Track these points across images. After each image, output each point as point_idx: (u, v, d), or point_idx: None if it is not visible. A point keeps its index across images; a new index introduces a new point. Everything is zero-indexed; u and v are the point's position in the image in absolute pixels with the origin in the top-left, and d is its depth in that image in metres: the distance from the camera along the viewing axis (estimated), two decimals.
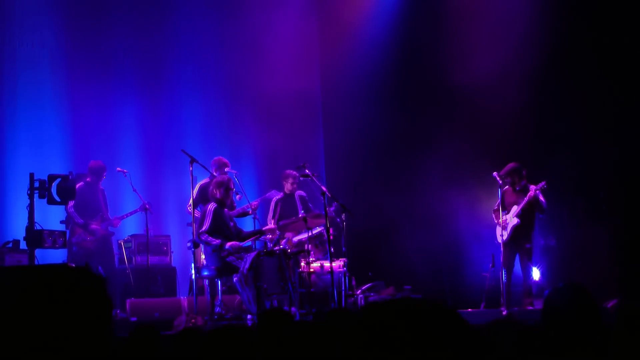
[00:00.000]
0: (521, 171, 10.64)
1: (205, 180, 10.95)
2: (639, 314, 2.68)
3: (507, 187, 10.76)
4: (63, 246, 9.10)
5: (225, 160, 11.11)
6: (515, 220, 10.54)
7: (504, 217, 10.64)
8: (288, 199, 11.37)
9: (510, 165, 10.67)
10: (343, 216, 10.47)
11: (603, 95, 11.77)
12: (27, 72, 12.45)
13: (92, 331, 1.72)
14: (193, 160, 10.05)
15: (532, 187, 10.63)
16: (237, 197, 10.91)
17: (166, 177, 12.98)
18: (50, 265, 1.86)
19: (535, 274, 11.21)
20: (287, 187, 11.37)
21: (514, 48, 12.24)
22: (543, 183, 10.55)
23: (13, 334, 1.67)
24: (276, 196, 11.39)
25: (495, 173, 10.54)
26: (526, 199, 10.55)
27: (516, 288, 10.64)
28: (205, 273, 9.79)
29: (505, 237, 10.58)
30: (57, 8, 12.73)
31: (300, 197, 11.46)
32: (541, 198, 10.58)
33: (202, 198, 10.59)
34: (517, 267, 10.66)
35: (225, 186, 9.92)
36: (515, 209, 10.58)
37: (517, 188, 10.65)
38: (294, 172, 11.27)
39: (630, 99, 11.58)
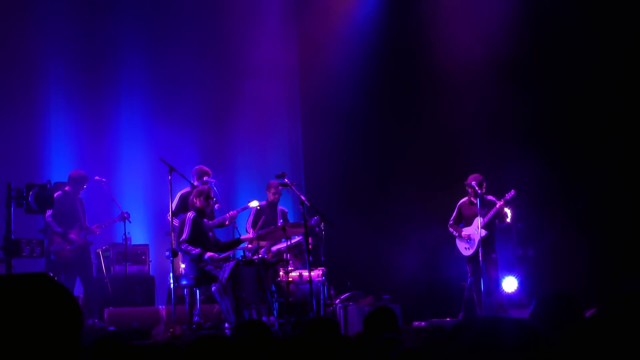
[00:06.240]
0: (483, 183, 10.67)
1: (186, 189, 10.91)
2: (611, 323, 2.71)
3: (464, 199, 10.83)
4: (41, 255, 9.03)
5: (206, 169, 11.08)
6: (483, 232, 10.54)
7: (467, 230, 10.69)
8: (270, 208, 11.35)
9: (477, 175, 10.68)
10: (322, 225, 10.47)
11: (582, 106, 11.86)
12: (5, 79, 12.37)
13: (59, 342, 1.72)
14: (172, 169, 10.02)
15: (491, 197, 10.66)
16: (216, 206, 10.88)
17: (145, 186, 12.91)
18: (28, 274, 1.84)
19: (513, 283, 11.24)
20: (270, 196, 11.37)
21: (489, 48, 12.31)
22: (512, 192, 10.53)
23: None
24: (257, 205, 11.36)
25: (473, 183, 10.55)
26: (494, 210, 10.56)
27: (486, 298, 10.65)
28: (184, 282, 9.76)
29: (472, 251, 10.62)
30: (35, 14, 12.67)
31: (282, 211, 11.44)
32: (506, 209, 10.64)
33: (183, 207, 10.55)
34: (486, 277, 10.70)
35: (205, 195, 9.89)
36: (479, 220, 10.58)
37: (476, 200, 10.66)
38: (277, 182, 11.26)
39: (609, 110, 11.67)
